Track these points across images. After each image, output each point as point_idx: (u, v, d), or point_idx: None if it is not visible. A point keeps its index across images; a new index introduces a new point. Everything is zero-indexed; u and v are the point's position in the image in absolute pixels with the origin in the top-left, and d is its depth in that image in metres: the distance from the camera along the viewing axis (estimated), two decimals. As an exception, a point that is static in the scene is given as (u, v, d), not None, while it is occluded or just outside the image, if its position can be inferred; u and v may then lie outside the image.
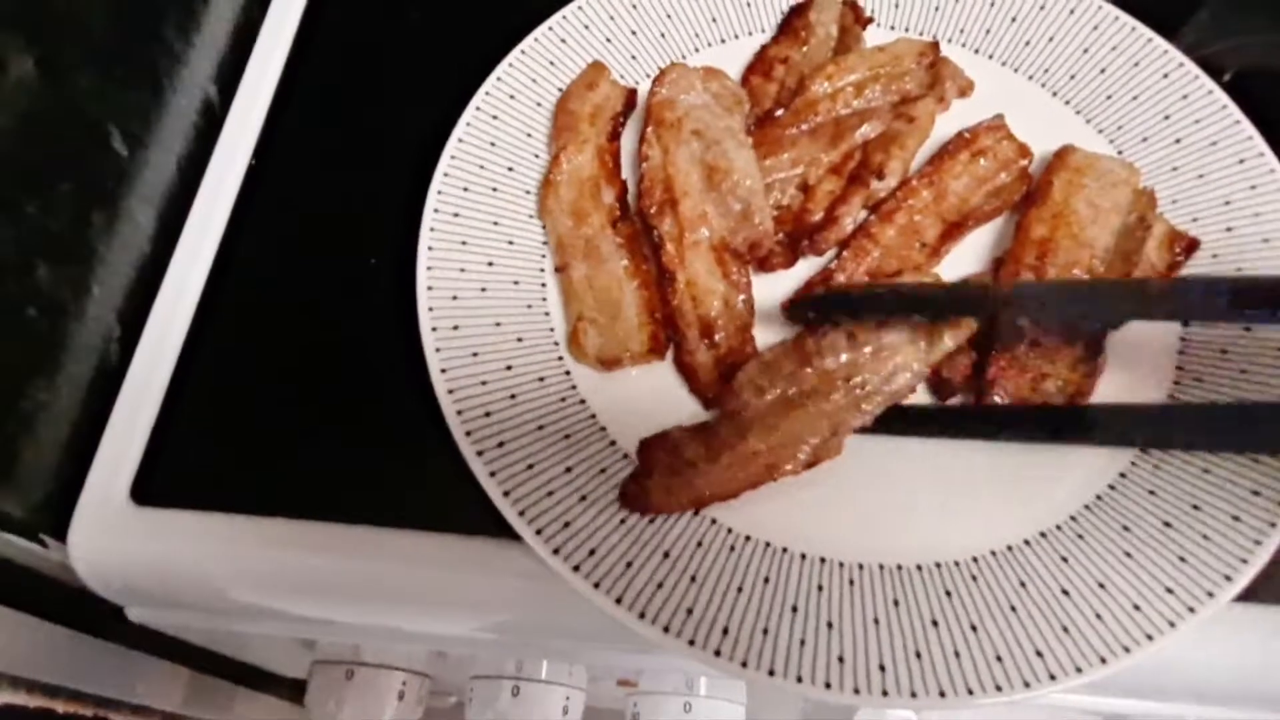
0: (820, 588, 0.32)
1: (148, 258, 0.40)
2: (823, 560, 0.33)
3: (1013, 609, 0.31)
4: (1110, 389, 0.36)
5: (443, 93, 0.42)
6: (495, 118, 0.41)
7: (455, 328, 0.36)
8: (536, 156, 0.41)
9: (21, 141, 0.33)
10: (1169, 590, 0.31)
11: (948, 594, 0.32)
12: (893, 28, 0.46)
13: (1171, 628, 0.30)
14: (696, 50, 0.45)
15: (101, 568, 0.35)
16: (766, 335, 0.37)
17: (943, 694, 0.30)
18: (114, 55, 0.38)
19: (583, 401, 0.36)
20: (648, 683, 0.42)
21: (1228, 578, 0.31)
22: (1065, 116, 0.43)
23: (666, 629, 0.30)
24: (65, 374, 0.36)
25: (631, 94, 0.42)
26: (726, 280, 0.38)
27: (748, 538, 0.33)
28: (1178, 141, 0.42)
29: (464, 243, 0.38)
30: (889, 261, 0.38)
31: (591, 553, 0.32)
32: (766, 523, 0.34)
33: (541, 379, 0.36)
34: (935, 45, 0.43)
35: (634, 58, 0.44)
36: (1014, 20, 0.45)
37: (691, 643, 0.30)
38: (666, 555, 0.32)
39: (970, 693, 0.30)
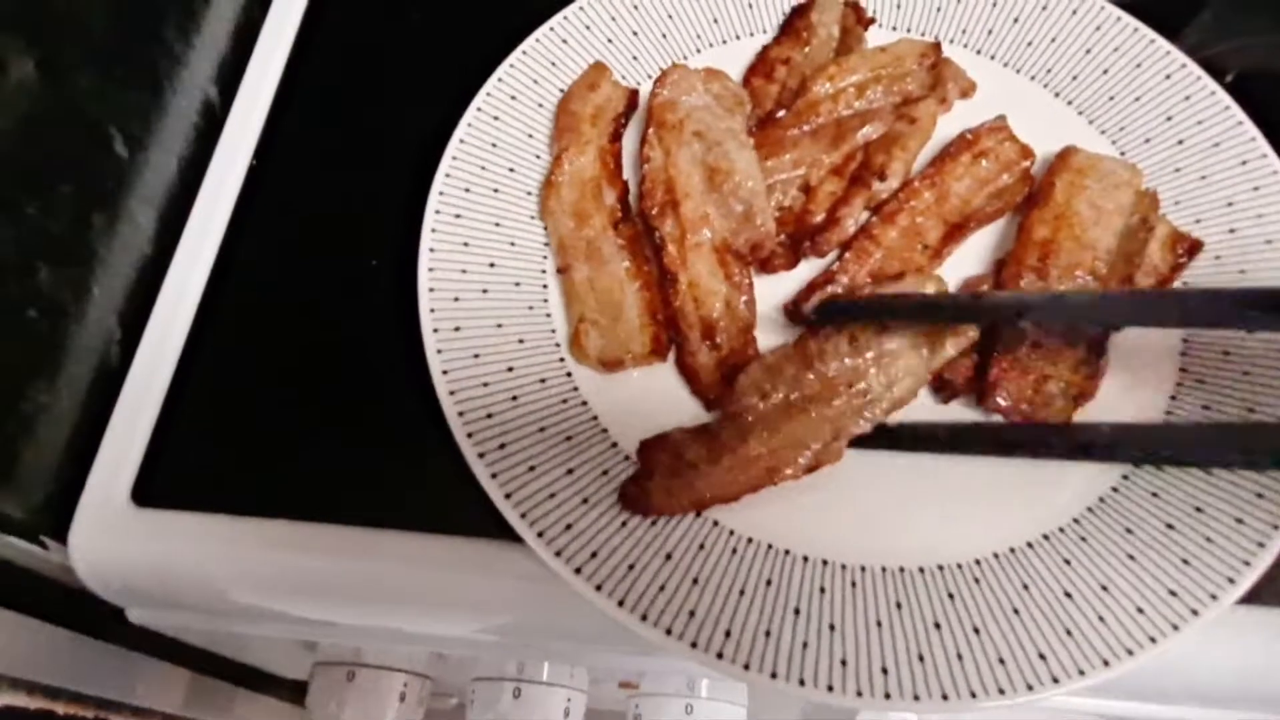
0: (823, 590, 0.32)
1: (148, 259, 0.40)
2: (825, 562, 0.33)
3: (1016, 611, 0.31)
4: (1113, 391, 0.36)
5: (444, 93, 0.42)
6: (497, 118, 0.41)
7: (457, 329, 0.36)
8: (538, 157, 0.41)
9: (22, 143, 0.33)
10: (1172, 593, 0.31)
11: (950, 596, 0.32)
12: (894, 28, 0.46)
13: (1175, 630, 0.30)
14: (698, 51, 0.45)
15: (102, 569, 0.35)
16: (768, 337, 0.37)
17: (945, 697, 0.30)
18: (114, 56, 0.38)
19: (584, 403, 0.36)
20: (649, 684, 0.42)
21: (1231, 580, 0.31)
22: (1068, 117, 0.43)
23: (669, 631, 0.30)
24: (66, 375, 0.36)
25: (633, 95, 0.42)
26: (728, 282, 0.38)
27: (750, 540, 0.33)
28: (1180, 143, 0.42)
29: (465, 244, 0.38)
30: (891, 263, 0.38)
31: (594, 555, 0.32)
32: (769, 525, 0.33)
33: (543, 380, 0.36)
34: (937, 46, 0.43)
35: (635, 58, 0.44)
36: (1016, 21, 0.45)
37: (694, 645, 0.30)
38: (669, 557, 0.32)
39: (973, 695, 0.29)
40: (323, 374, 0.37)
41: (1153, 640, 0.30)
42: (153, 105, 0.40)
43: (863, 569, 0.33)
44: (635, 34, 0.44)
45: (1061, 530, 0.33)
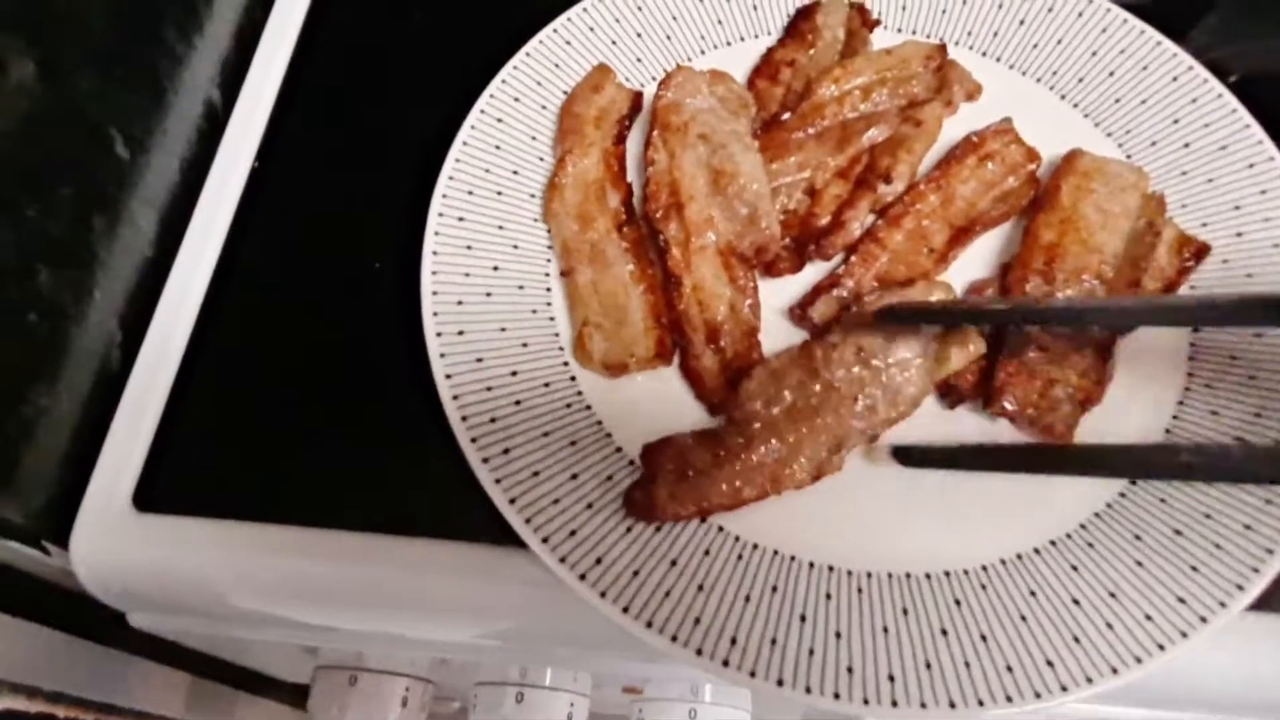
0: (829, 596, 0.32)
1: (149, 261, 0.40)
2: (831, 569, 0.33)
3: (1023, 618, 0.31)
4: (1119, 395, 0.36)
5: (447, 93, 0.42)
6: (500, 120, 0.41)
7: (460, 333, 0.36)
8: (541, 160, 0.41)
9: (22, 144, 0.33)
10: (1181, 600, 0.31)
11: (957, 603, 0.32)
12: (900, 30, 0.45)
13: (1184, 637, 0.30)
14: (702, 53, 0.45)
15: (103, 574, 0.34)
16: (771, 340, 0.37)
17: (953, 705, 0.29)
18: (115, 57, 0.37)
19: (588, 407, 0.36)
20: (653, 689, 0.41)
21: (1240, 587, 0.31)
22: (1073, 120, 0.43)
23: (674, 638, 0.30)
24: (66, 379, 0.35)
25: (637, 97, 0.42)
26: (733, 285, 0.37)
27: (755, 545, 0.33)
28: (1187, 146, 0.41)
29: (469, 247, 0.38)
30: (896, 267, 0.38)
31: (598, 561, 0.32)
32: (774, 530, 0.33)
33: (547, 384, 0.36)
34: (943, 48, 0.43)
35: (639, 60, 0.44)
36: (1022, 23, 0.45)
37: (699, 652, 0.30)
38: (674, 564, 0.32)
39: (981, 704, 0.29)
40: (325, 377, 0.37)
41: (1161, 648, 0.30)
42: (154, 106, 0.40)
43: (869, 575, 0.33)
44: (639, 36, 0.44)
45: (1069, 536, 0.33)
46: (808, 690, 0.30)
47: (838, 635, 0.31)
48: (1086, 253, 0.37)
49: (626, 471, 0.34)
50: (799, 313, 0.37)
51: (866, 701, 0.29)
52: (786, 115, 0.41)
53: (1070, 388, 0.35)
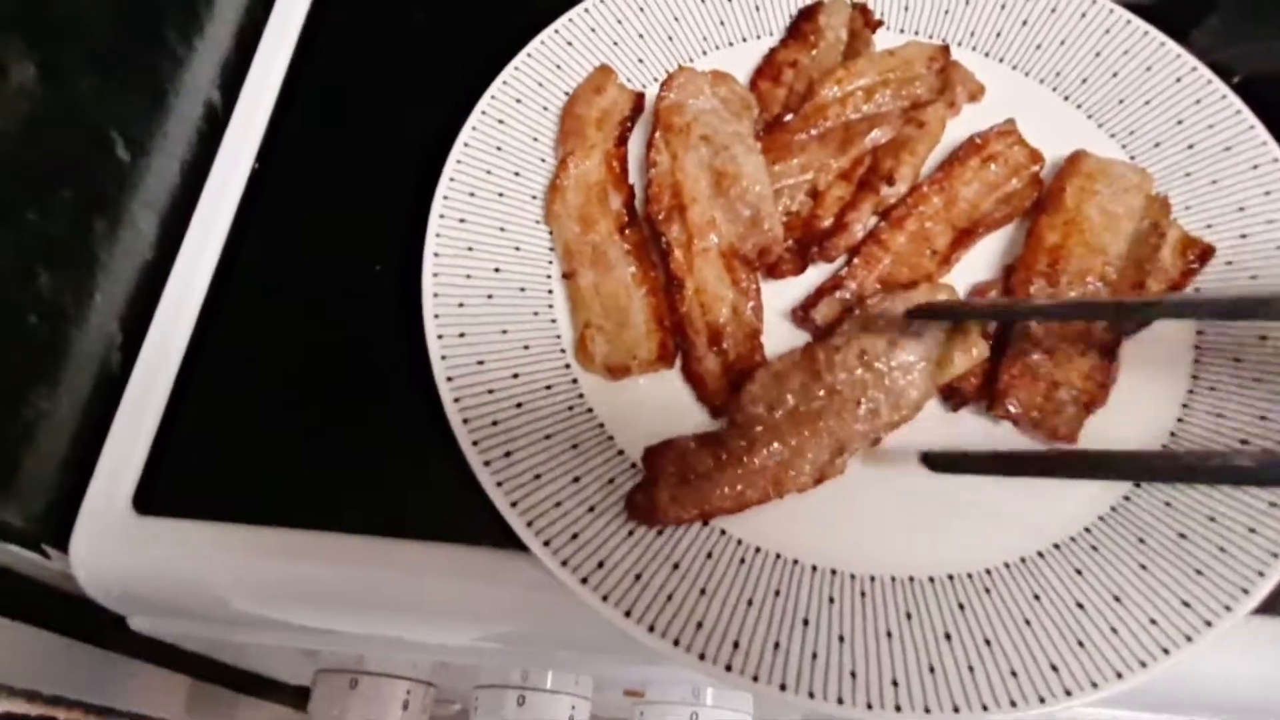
0: (832, 600, 0.32)
1: (150, 264, 0.40)
2: (834, 572, 0.33)
3: (1027, 622, 0.31)
4: (1123, 397, 0.36)
5: (448, 94, 0.42)
6: (501, 122, 0.41)
7: (461, 335, 0.36)
8: (543, 161, 0.41)
9: (22, 147, 0.32)
10: (1185, 603, 0.31)
11: (961, 607, 0.32)
12: (902, 31, 0.45)
13: (1189, 642, 0.30)
14: (704, 54, 0.45)
15: (103, 577, 0.34)
16: (774, 343, 0.37)
17: (957, 709, 0.29)
18: (115, 59, 0.37)
19: (590, 410, 0.35)
20: (654, 693, 0.41)
21: (1245, 590, 0.31)
22: (1077, 121, 0.43)
23: (676, 643, 0.30)
24: (66, 381, 0.35)
25: (639, 98, 0.42)
26: (735, 287, 0.37)
27: (758, 549, 0.33)
28: (1191, 147, 0.41)
29: (470, 249, 0.38)
30: (900, 269, 0.38)
31: (600, 565, 0.31)
32: (777, 534, 0.33)
33: (548, 387, 0.36)
34: (946, 49, 0.43)
35: (641, 61, 0.44)
36: (1025, 24, 0.45)
37: (702, 657, 0.30)
38: (676, 567, 0.32)
39: (985, 708, 0.29)
40: (326, 378, 0.37)
41: (1166, 652, 0.30)
42: (154, 108, 0.40)
43: (872, 579, 0.32)
44: (641, 37, 0.44)
45: (1073, 539, 0.33)
46: (811, 695, 0.29)
47: (841, 639, 0.31)
48: (1090, 255, 0.37)
49: (628, 474, 0.34)
50: (801, 315, 0.37)
51: (870, 706, 0.29)
52: (789, 116, 0.41)
53: (1074, 390, 0.35)
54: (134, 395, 0.37)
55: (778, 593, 0.32)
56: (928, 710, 0.29)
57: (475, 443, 0.33)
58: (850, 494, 0.34)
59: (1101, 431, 0.35)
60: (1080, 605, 0.31)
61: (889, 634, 0.31)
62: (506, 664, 0.40)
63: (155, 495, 0.35)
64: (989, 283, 0.38)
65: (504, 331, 0.36)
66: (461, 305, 0.37)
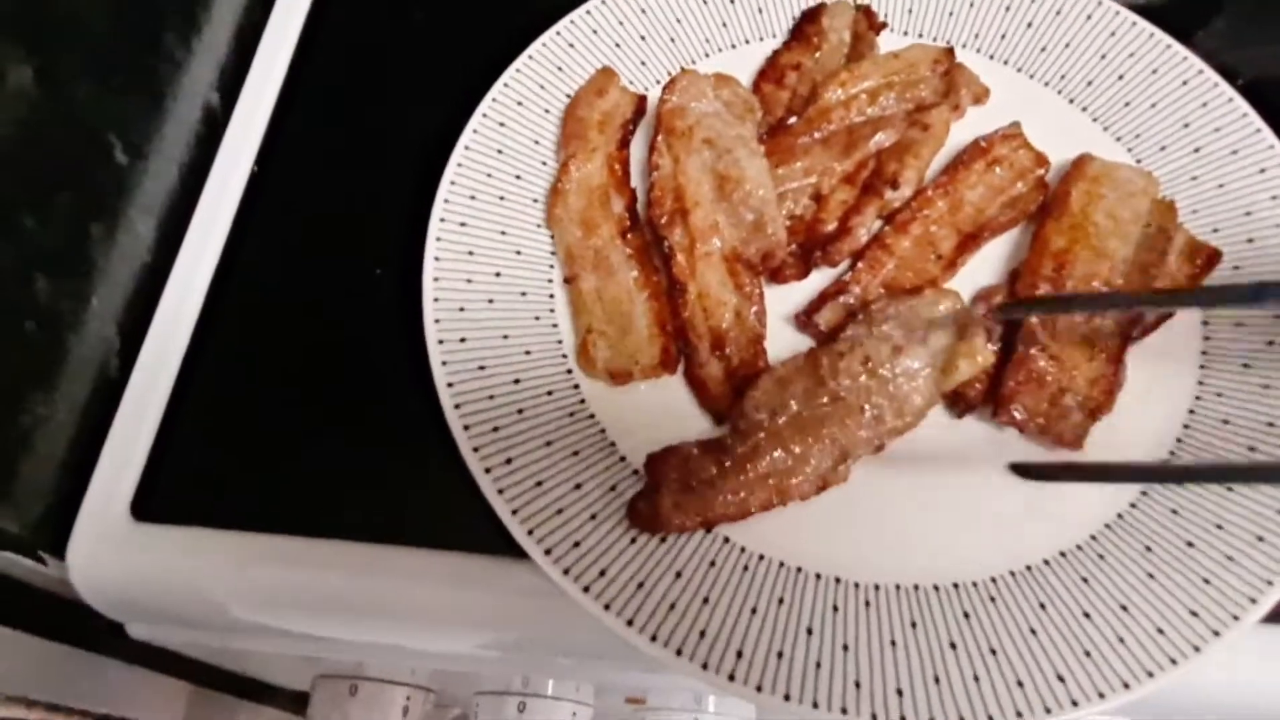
0: (836, 609, 0.32)
1: (148, 268, 0.39)
2: (838, 580, 0.32)
3: (1033, 631, 0.31)
4: (1130, 403, 0.35)
5: (448, 94, 0.41)
6: (502, 124, 0.41)
7: (462, 340, 0.36)
8: (544, 164, 0.41)
9: (19, 151, 0.32)
10: (1193, 613, 0.31)
11: (966, 616, 0.31)
12: (906, 33, 0.45)
13: (1196, 652, 0.30)
14: (707, 56, 0.44)
15: (101, 585, 0.34)
16: (778, 347, 0.37)
17: (962, 719, 0.29)
18: (114, 63, 0.37)
19: (592, 416, 0.35)
20: (656, 699, 0.41)
21: (1253, 600, 0.31)
22: (1082, 124, 0.43)
23: (679, 652, 0.30)
24: (64, 387, 0.35)
25: (641, 101, 0.42)
26: (738, 292, 0.37)
27: (761, 557, 0.33)
28: (1197, 150, 0.41)
29: (471, 253, 0.38)
30: (904, 274, 0.37)
31: (602, 573, 0.31)
32: (781, 542, 0.33)
33: (550, 393, 0.35)
34: (950, 51, 0.42)
35: (643, 63, 0.43)
36: (1030, 26, 0.44)
37: (705, 666, 0.30)
38: (679, 575, 0.32)
39: (990, 719, 0.29)
40: (326, 384, 0.37)
41: (1174, 662, 0.30)
42: (153, 112, 0.40)
43: (876, 587, 0.32)
44: (643, 39, 0.44)
45: (1079, 548, 0.33)
46: (815, 705, 0.29)
47: (845, 648, 0.31)
48: (1096, 259, 0.37)
49: (630, 481, 0.34)
50: (805, 320, 0.37)
51: (874, 716, 0.29)
52: (792, 120, 0.41)
53: (1080, 396, 0.35)
54: (132, 401, 0.36)
55: (781, 601, 0.32)
56: (933, 720, 0.29)
57: (476, 449, 0.33)
58: (854, 501, 0.34)
59: (1107, 438, 0.35)
60: (1087, 614, 0.31)
61: (893, 643, 0.31)
62: (507, 671, 0.39)
63: (153, 502, 0.34)
64: (994, 287, 0.38)
65: (505, 336, 0.36)
66: (462, 310, 0.36)
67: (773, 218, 0.37)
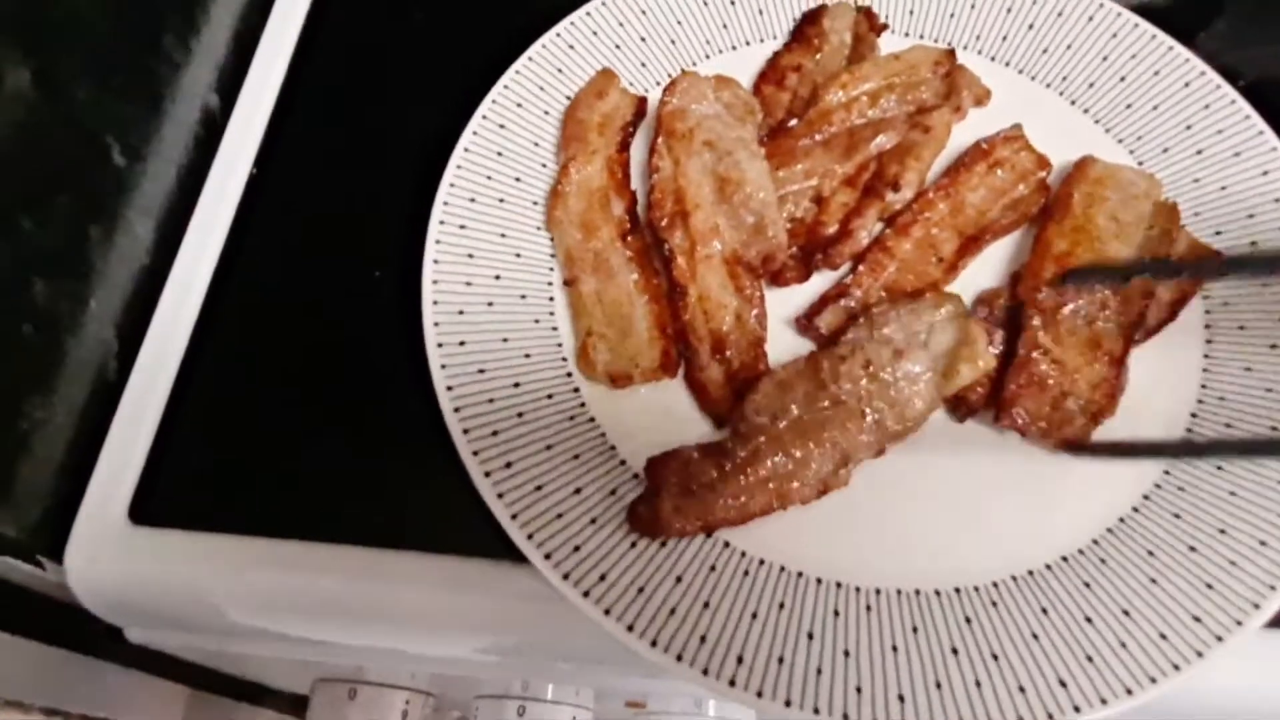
0: (837, 613, 0.31)
1: (146, 270, 0.39)
2: (839, 585, 0.32)
3: (1035, 636, 0.31)
4: (1132, 407, 0.35)
5: (448, 94, 0.41)
6: (502, 126, 0.41)
7: (462, 343, 0.35)
8: (544, 166, 0.40)
9: (18, 154, 0.32)
10: (1196, 618, 0.30)
11: (968, 620, 0.31)
12: (907, 35, 0.45)
13: (1199, 657, 0.30)
14: (707, 57, 0.44)
15: (99, 590, 0.34)
16: (778, 350, 0.36)
17: (964, 726, 0.29)
18: (112, 66, 0.37)
19: (592, 420, 0.35)
20: (656, 703, 0.41)
21: (1256, 605, 0.30)
22: (1084, 126, 0.42)
23: (680, 657, 0.30)
24: (62, 390, 0.35)
25: (641, 103, 0.41)
26: (739, 295, 0.37)
27: (762, 562, 0.32)
28: (1199, 152, 0.41)
29: (470, 255, 0.37)
30: (905, 276, 0.37)
31: (602, 578, 0.31)
32: (782, 546, 0.33)
33: (550, 396, 0.35)
34: (951, 53, 0.42)
35: (644, 65, 0.43)
36: (1031, 27, 0.44)
37: (705, 671, 0.29)
38: (679, 580, 0.32)
39: (992, 725, 0.29)
40: (325, 386, 0.37)
41: (1176, 667, 0.30)
42: (151, 114, 0.39)
43: (878, 592, 0.32)
44: (643, 40, 0.44)
45: (1081, 552, 0.33)
46: (816, 711, 0.29)
47: (846, 654, 0.30)
48: (1099, 262, 0.37)
49: (631, 485, 0.34)
50: (805, 323, 0.37)
51: (876, 722, 0.29)
52: (793, 122, 0.41)
53: (1082, 400, 0.35)
54: (130, 404, 0.36)
55: (782, 606, 0.31)
56: (934, 726, 0.29)
57: (476, 453, 0.33)
58: (855, 506, 0.33)
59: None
60: (1089, 619, 0.31)
61: (895, 648, 0.31)
62: (507, 675, 0.39)
63: (151, 505, 0.34)
64: (996, 290, 0.38)
65: (505, 340, 0.36)
66: (462, 313, 0.36)
67: (773, 220, 0.37)
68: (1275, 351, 0.36)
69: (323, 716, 0.41)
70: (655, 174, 0.39)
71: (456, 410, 0.34)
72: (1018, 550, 0.33)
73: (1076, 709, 0.29)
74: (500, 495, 0.32)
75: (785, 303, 0.38)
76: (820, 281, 0.38)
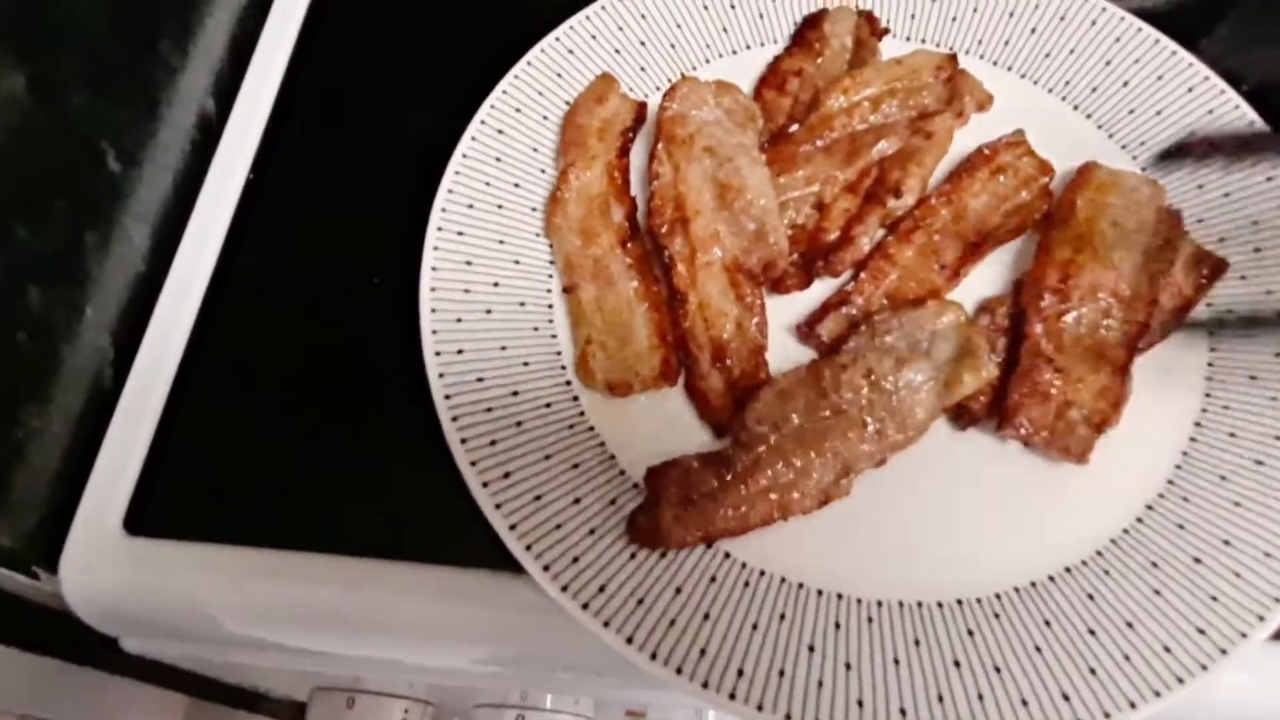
0: (838, 625, 0.31)
1: (142, 277, 0.39)
2: (840, 596, 0.32)
3: (1038, 649, 0.30)
4: (1135, 416, 0.35)
5: (448, 95, 0.41)
6: (501, 132, 0.40)
7: (460, 352, 0.35)
8: (543, 172, 0.40)
9: (12, 160, 0.32)
10: (1200, 630, 0.30)
11: (970, 633, 0.31)
12: (909, 39, 0.44)
13: (1204, 670, 0.29)
14: (707, 61, 0.44)
15: (94, 600, 0.34)
16: (779, 358, 0.36)
17: (966, 740, 0.29)
18: (108, 71, 0.37)
19: (591, 429, 0.35)
20: (656, 713, 0.41)
21: (1261, 617, 0.30)
22: (1087, 131, 0.42)
23: (679, 670, 0.29)
24: (58, 398, 0.35)
25: (641, 108, 0.41)
26: (739, 302, 0.36)
27: (763, 573, 0.32)
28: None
29: (469, 262, 0.37)
30: (907, 284, 0.37)
31: (601, 589, 0.31)
32: (782, 557, 0.32)
33: (549, 405, 0.35)
34: (953, 58, 0.42)
35: (643, 69, 0.43)
36: (1034, 32, 0.44)
37: (705, 685, 0.29)
38: (679, 591, 0.31)
39: (995, 739, 0.28)
40: (323, 395, 0.36)
41: (1181, 680, 0.29)
42: (147, 119, 0.39)
43: (879, 603, 0.32)
44: (643, 44, 0.43)
45: (1084, 563, 0.32)
46: (817, 724, 0.29)
47: (847, 666, 0.30)
48: (1102, 269, 0.36)
49: (630, 495, 0.33)
50: (806, 330, 0.37)
51: (878, 736, 0.29)
52: (794, 127, 0.41)
53: (1085, 409, 0.34)
54: (126, 412, 0.36)
55: (783, 617, 0.31)
56: (937, 740, 0.29)
57: (474, 463, 0.33)
58: (856, 516, 0.33)
59: (1112, 450, 0.34)
60: (1092, 631, 0.31)
61: (896, 661, 0.30)
62: (505, 685, 0.39)
63: (147, 515, 0.34)
64: (998, 298, 0.38)
65: (503, 348, 0.36)
66: (460, 320, 0.36)
67: (774, 227, 0.37)
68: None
69: (321, 724, 0.40)
70: (655, 180, 0.38)
71: (454, 419, 0.34)
72: (1020, 561, 0.32)
73: (1080, 723, 0.29)
74: (498, 506, 0.32)
75: (786, 310, 0.37)
76: (821, 289, 0.38)
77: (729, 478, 0.32)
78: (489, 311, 0.36)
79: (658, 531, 0.32)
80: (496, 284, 0.37)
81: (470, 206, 0.38)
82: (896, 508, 0.34)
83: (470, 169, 0.39)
